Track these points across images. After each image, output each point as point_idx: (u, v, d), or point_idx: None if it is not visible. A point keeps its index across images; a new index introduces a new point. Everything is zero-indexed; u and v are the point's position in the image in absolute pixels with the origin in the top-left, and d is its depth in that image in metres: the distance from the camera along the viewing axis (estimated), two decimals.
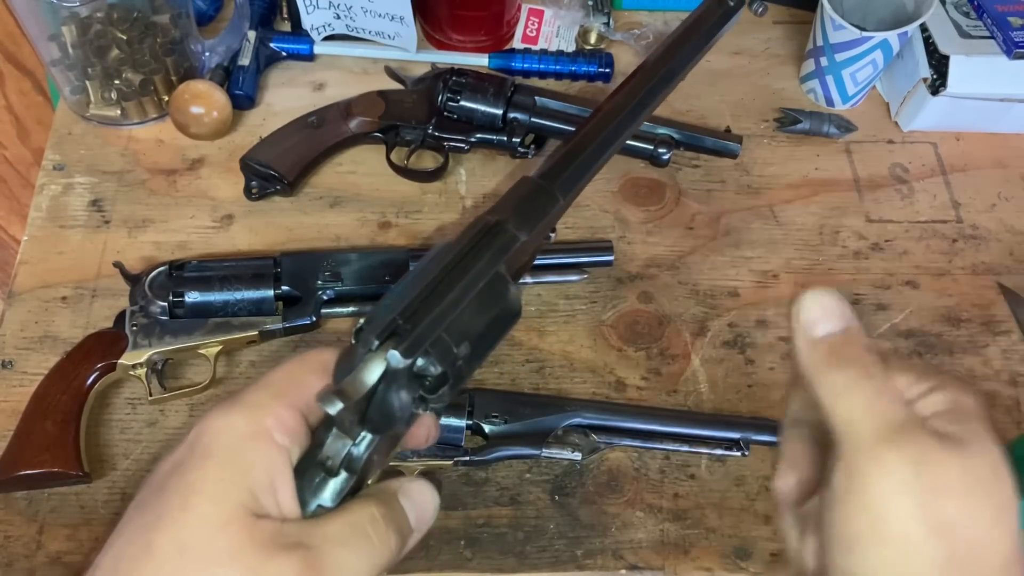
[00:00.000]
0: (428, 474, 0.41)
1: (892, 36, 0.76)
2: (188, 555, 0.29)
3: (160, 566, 0.29)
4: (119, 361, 0.62)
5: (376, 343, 0.33)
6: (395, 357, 0.33)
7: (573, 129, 0.76)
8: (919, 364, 0.35)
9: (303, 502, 0.33)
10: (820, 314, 0.35)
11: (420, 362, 0.34)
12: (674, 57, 0.53)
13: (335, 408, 0.31)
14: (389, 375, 0.33)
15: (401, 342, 0.33)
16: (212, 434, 0.32)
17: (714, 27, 0.57)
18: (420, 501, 0.36)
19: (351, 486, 0.34)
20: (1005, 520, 0.31)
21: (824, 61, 0.81)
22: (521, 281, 0.70)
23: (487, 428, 0.62)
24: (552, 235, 0.43)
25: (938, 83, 0.80)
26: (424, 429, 0.39)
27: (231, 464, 0.31)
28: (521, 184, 0.42)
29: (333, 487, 0.34)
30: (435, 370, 0.34)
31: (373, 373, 0.33)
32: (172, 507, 0.30)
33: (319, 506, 0.33)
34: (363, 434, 0.34)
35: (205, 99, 0.76)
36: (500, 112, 0.76)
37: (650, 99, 0.50)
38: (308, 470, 0.34)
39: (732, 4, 0.59)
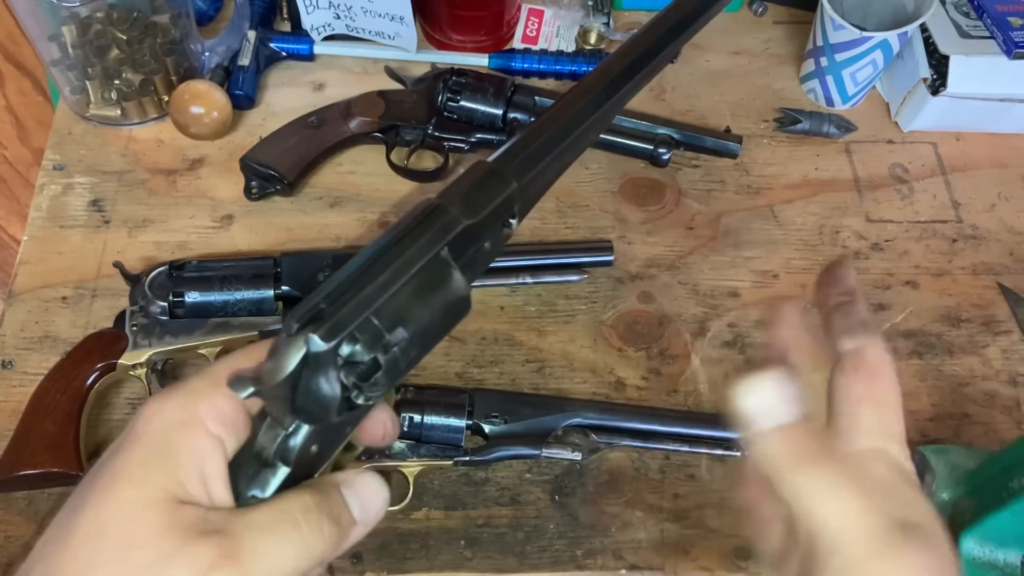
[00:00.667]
0: (384, 474, 0.40)
1: (892, 36, 0.76)
2: (106, 537, 0.29)
3: (78, 547, 0.29)
4: (119, 361, 0.62)
5: (295, 327, 0.32)
6: (314, 341, 0.31)
7: None
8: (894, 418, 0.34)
9: (238, 493, 0.32)
10: (775, 400, 0.32)
11: (346, 348, 0.32)
12: (652, 40, 0.47)
13: (244, 392, 0.31)
14: (311, 360, 0.32)
15: (321, 326, 0.32)
16: (144, 420, 0.32)
17: (698, 8, 0.52)
18: (365, 493, 0.34)
19: (288, 478, 0.33)
20: None
21: (824, 61, 0.81)
22: (520, 281, 0.71)
23: (487, 428, 0.62)
24: (512, 222, 0.39)
25: (938, 83, 0.80)
26: (379, 425, 0.38)
27: (157, 450, 0.31)
28: (473, 168, 0.39)
29: (268, 478, 0.33)
30: (365, 356, 0.32)
31: (292, 358, 0.31)
32: (96, 490, 0.30)
33: (252, 496, 0.33)
34: (297, 423, 0.33)
35: (205, 99, 0.76)
36: (500, 112, 0.76)
37: (621, 83, 0.44)
38: (245, 462, 0.33)
39: None
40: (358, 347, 0.32)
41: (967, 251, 0.76)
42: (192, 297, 0.63)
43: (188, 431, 0.32)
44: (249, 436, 0.34)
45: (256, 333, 0.64)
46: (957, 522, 0.58)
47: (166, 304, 0.63)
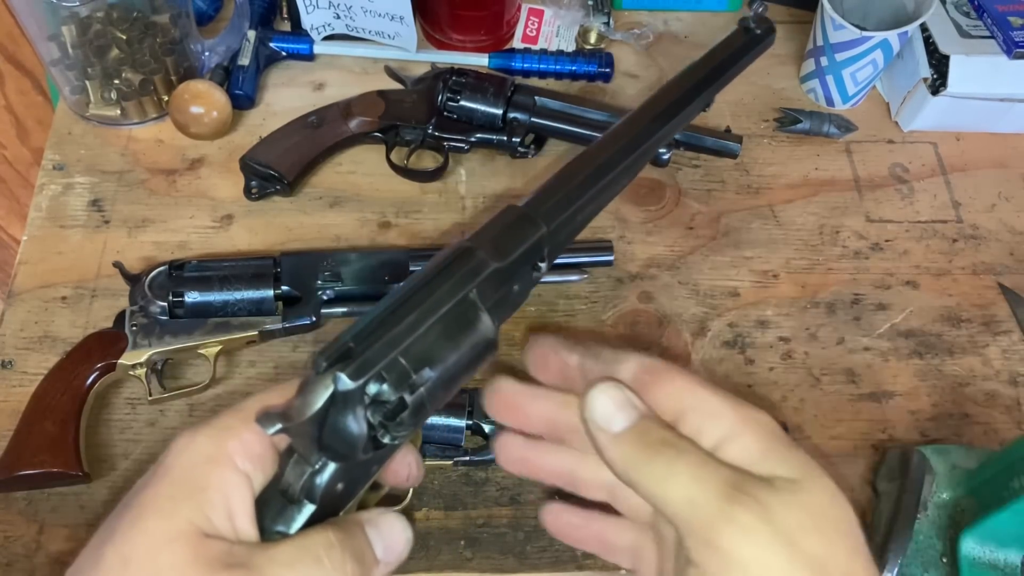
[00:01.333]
0: (403, 512, 0.40)
1: (892, 36, 0.76)
2: (130, 568, 0.30)
3: None
4: (119, 361, 0.62)
5: (324, 365, 0.32)
6: (342, 380, 0.32)
7: (573, 129, 0.77)
8: (709, 398, 0.35)
9: (263, 528, 0.33)
10: (612, 408, 0.34)
11: (373, 387, 0.33)
12: (685, 87, 0.47)
13: (272, 428, 0.31)
14: (338, 398, 0.32)
15: (349, 364, 0.32)
16: (174, 454, 0.33)
17: (734, 56, 0.53)
18: (389, 534, 0.35)
19: (314, 515, 0.34)
20: (858, 545, 0.32)
21: (824, 61, 0.81)
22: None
23: (487, 428, 0.62)
24: (541, 266, 0.39)
25: (938, 83, 0.80)
26: (404, 466, 0.38)
27: (185, 483, 0.32)
28: (504, 212, 0.40)
29: (293, 515, 0.33)
30: (391, 396, 0.33)
31: (320, 396, 0.32)
32: (123, 522, 0.31)
33: (278, 532, 0.33)
34: (323, 461, 0.33)
35: (205, 99, 0.75)
36: (500, 112, 0.76)
37: (654, 129, 0.45)
38: (272, 498, 0.34)
39: (758, 32, 0.53)
40: (385, 387, 0.33)
41: (967, 251, 0.76)
42: (192, 297, 0.63)
43: (216, 466, 0.32)
44: (276, 472, 0.34)
45: (256, 333, 0.64)
46: (957, 522, 0.58)
47: (166, 304, 0.63)
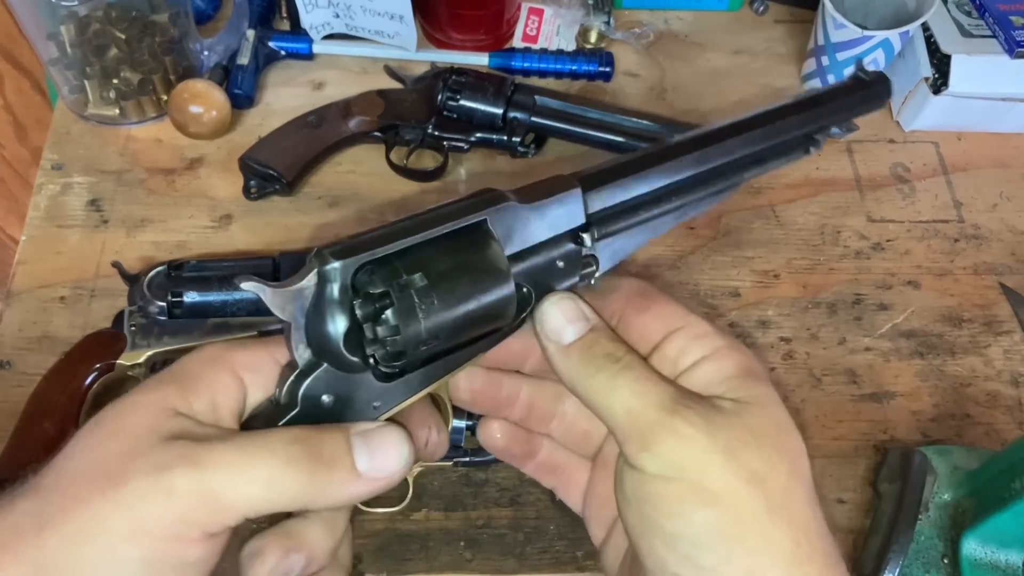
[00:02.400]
0: (402, 513, 0.40)
1: (893, 35, 0.76)
2: (99, 428, 0.32)
3: (80, 434, 0.32)
4: (118, 361, 0.62)
5: (318, 250, 0.32)
6: (328, 260, 0.32)
7: (573, 128, 0.76)
8: (697, 322, 0.36)
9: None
10: (563, 320, 0.36)
11: (362, 278, 0.32)
12: (781, 116, 0.42)
13: (254, 285, 0.32)
14: (322, 277, 0.32)
15: (340, 252, 0.32)
16: (188, 355, 0.35)
17: (841, 100, 0.47)
18: (378, 446, 0.33)
19: (292, 419, 0.33)
20: (800, 469, 0.33)
21: (825, 60, 0.81)
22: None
23: None
24: (584, 237, 0.37)
25: (940, 82, 0.79)
26: (424, 429, 0.38)
27: (179, 373, 0.34)
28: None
29: (274, 418, 0.33)
30: (377, 289, 0.32)
31: (307, 275, 0.32)
32: (121, 399, 0.33)
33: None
34: (310, 360, 0.33)
35: (204, 98, 0.75)
36: (500, 111, 0.76)
37: (734, 146, 0.41)
38: (263, 410, 0.34)
39: (868, 80, 0.48)
40: (374, 278, 0.32)
41: (969, 251, 0.76)
42: (191, 297, 0.63)
43: (214, 365, 0.34)
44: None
45: (256, 333, 0.64)
46: (959, 523, 0.58)
47: (165, 304, 0.63)
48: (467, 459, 0.61)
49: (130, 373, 0.62)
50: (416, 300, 0.33)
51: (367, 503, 0.38)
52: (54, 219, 0.73)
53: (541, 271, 0.36)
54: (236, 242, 0.73)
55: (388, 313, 0.32)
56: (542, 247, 0.37)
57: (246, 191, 0.74)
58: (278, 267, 0.65)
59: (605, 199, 0.38)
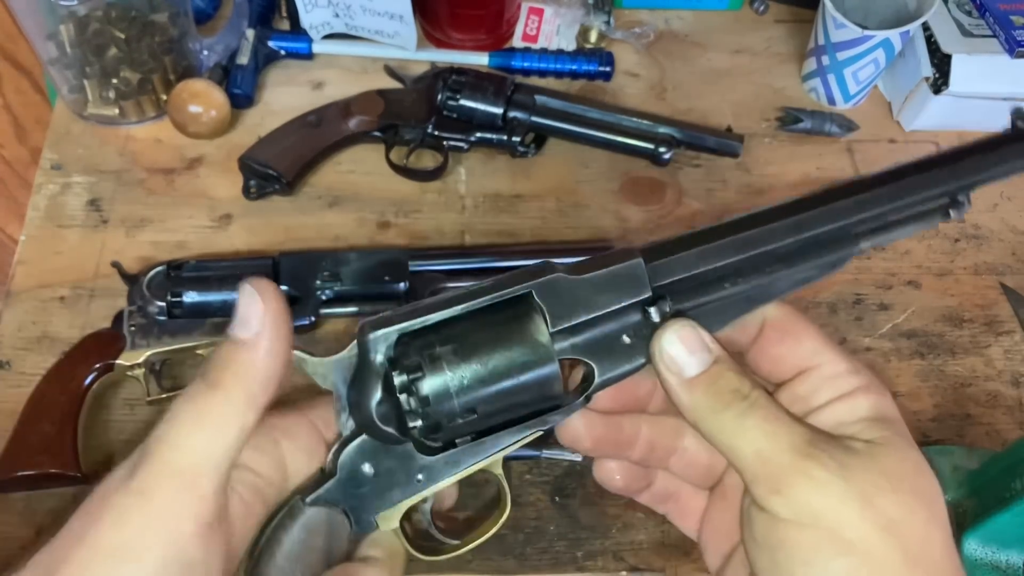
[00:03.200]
0: None
1: (894, 35, 0.76)
2: None
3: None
4: (117, 361, 0.62)
5: (361, 325, 0.33)
6: (364, 329, 0.33)
7: (573, 128, 0.76)
8: (844, 354, 0.34)
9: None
10: (683, 351, 0.34)
11: (400, 349, 0.33)
12: (905, 174, 0.36)
13: (302, 360, 0.34)
14: (361, 347, 0.33)
15: (379, 323, 0.33)
16: None
17: (995, 151, 0.42)
18: (243, 302, 0.35)
19: (334, 484, 0.35)
20: (938, 514, 0.32)
21: (826, 60, 0.81)
22: None
23: None
24: (651, 311, 0.34)
25: (940, 82, 0.79)
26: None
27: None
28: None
29: (318, 481, 0.35)
30: (410, 360, 0.33)
31: (349, 349, 0.33)
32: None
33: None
34: (352, 427, 0.34)
35: (203, 98, 0.75)
36: (500, 111, 0.76)
37: (848, 211, 0.35)
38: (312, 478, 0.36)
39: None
40: (409, 350, 0.33)
41: (969, 251, 0.76)
42: (190, 297, 0.63)
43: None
44: None
45: None
46: (959, 523, 0.58)
47: (164, 304, 0.63)
48: None
49: (129, 373, 0.62)
50: (447, 371, 0.33)
51: (425, 552, 0.39)
52: (53, 219, 0.73)
53: (602, 346, 0.35)
54: (236, 242, 0.73)
55: (420, 384, 0.33)
56: (600, 320, 0.34)
57: (246, 191, 0.74)
58: (278, 267, 0.65)
59: (676, 270, 0.35)
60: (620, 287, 0.34)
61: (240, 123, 0.80)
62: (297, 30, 0.84)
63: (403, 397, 0.33)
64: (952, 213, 0.37)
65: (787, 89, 0.86)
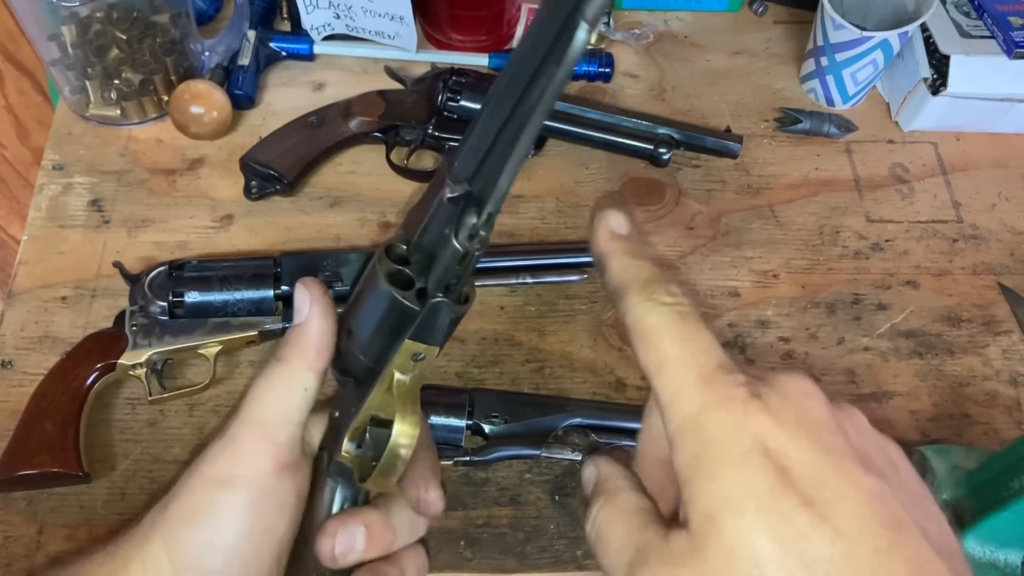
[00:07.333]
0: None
1: (892, 36, 0.76)
2: None
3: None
4: (119, 361, 0.62)
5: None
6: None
7: (573, 129, 0.76)
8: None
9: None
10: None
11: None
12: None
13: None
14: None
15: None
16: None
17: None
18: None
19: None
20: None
21: (824, 61, 0.81)
22: (520, 281, 0.71)
23: (487, 428, 0.62)
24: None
25: (938, 83, 0.80)
26: (413, 490, 0.40)
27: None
28: None
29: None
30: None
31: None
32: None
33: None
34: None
35: (205, 99, 0.75)
36: None
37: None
38: None
39: None
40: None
41: (967, 251, 0.76)
42: (192, 297, 0.63)
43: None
44: None
45: (256, 333, 0.64)
46: (958, 522, 0.58)
47: (166, 304, 0.63)
48: (467, 459, 0.61)
49: (131, 373, 0.62)
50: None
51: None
52: (55, 219, 0.74)
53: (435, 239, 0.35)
54: (237, 242, 0.73)
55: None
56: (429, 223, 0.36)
57: (247, 191, 0.75)
58: (279, 267, 0.66)
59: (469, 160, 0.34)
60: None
61: (241, 124, 0.80)
62: (298, 31, 0.84)
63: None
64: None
65: (786, 90, 0.86)
